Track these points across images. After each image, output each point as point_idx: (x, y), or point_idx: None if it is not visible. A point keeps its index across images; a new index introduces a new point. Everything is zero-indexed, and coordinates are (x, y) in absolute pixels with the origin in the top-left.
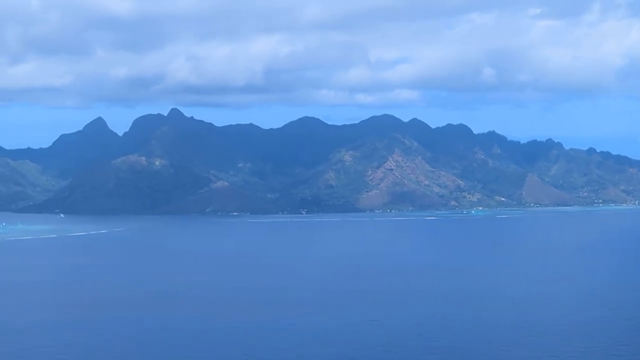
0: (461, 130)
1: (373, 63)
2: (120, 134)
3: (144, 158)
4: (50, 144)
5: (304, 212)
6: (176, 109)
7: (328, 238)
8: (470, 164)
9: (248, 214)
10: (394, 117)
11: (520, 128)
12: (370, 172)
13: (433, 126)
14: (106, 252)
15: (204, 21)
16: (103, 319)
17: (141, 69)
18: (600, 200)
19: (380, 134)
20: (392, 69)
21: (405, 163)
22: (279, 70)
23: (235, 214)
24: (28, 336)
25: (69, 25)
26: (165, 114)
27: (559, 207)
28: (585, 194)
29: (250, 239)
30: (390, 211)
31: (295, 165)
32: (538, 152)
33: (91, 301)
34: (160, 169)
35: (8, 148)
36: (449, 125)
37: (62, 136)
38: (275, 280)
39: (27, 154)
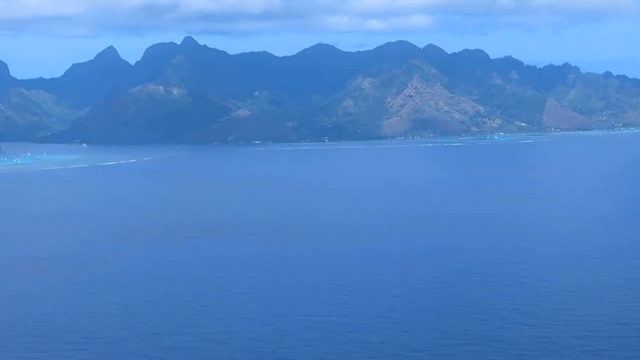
0: (478, 56)
1: None
2: (132, 63)
3: (161, 87)
4: (62, 73)
5: (326, 140)
6: (190, 37)
7: (366, 165)
8: (488, 89)
9: (270, 142)
10: (409, 43)
11: (534, 52)
12: (389, 99)
13: (449, 52)
14: (148, 181)
15: None
16: (180, 246)
17: None
18: (620, 124)
19: (397, 60)
20: None
21: (424, 89)
22: None
23: (257, 142)
24: (102, 265)
25: None
26: (178, 43)
27: (580, 132)
28: (605, 118)
29: (289, 167)
30: (412, 138)
31: (310, 93)
32: (555, 76)
33: (164, 230)
34: (179, 98)
35: (20, 78)
36: (465, 50)
37: (74, 66)
38: (339, 206)
39: (39, 83)
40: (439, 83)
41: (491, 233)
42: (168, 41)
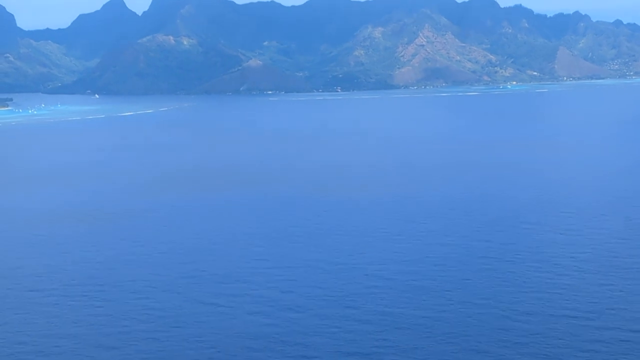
0: (488, 4)
1: None
2: (139, 13)
3: (171, 37)
4: (69, 24)
5: (339, 90)
6: None
7: (388, 115)
8: (499, 38)
9: (283, 92)
10: None
11: (542, 1)
12: (400, 48)
13: (459, 0)
14: (173, 131)
15: None
16: (230, 193)
17: None
18: (632, 73)
19: (407, 9)
20: None
21: (435, 39)
22: None
23: (270, 92)
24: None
25: None
26: None
27: (593, 80)
28: (617, 66)
29: (312, 116)
30: (424, 87)
31: (319, 43)
32: (565, 25)
33: (208, 178)
34: (189, 49)
35: (27, 29)
36: None
37: (81, 16)
38: (372, 157)
39: (47, 34)
40: (450, 32)
41: (530, 182)
42: None
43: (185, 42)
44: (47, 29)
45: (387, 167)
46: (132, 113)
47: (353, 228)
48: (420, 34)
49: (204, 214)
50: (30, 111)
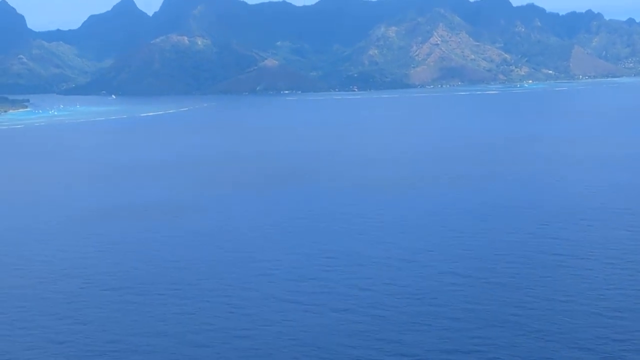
0: (500, 3)
1: None
2: (150, 14)
3: (186, 38)
4: (80, 25)
5: (355, 89)
6: None
7: (414, 113)
8: (512, 37)
9: (299, 92)
10: None
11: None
12: (415, 47)
13: (471, 0)
14: (203, 130)
15: None
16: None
17: None
18: None
19: (419, 9)
20: None
21: (450, 38)
22: None
23: (287, 92)
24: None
25: None
26: None
27: (609, 79)
28: (632, 64)
29: (337, 114)
30: (441, 86)
31: (332, 43)
32: (578, 23)
33: (253, 176)
34: (204, 49)
35: (37, 30)
36: None
37: (91, 17)
38: (415, 154)
39: (58, 35)
40: (463, 31)
41: (583, 177)
42: None
43: (199, 42)
44: (58, 29)
45: (437, 164)
46: (153, 113)
47: (413, 225)
48: (435, 33)
49: (269, 211)
50: (50, 112)
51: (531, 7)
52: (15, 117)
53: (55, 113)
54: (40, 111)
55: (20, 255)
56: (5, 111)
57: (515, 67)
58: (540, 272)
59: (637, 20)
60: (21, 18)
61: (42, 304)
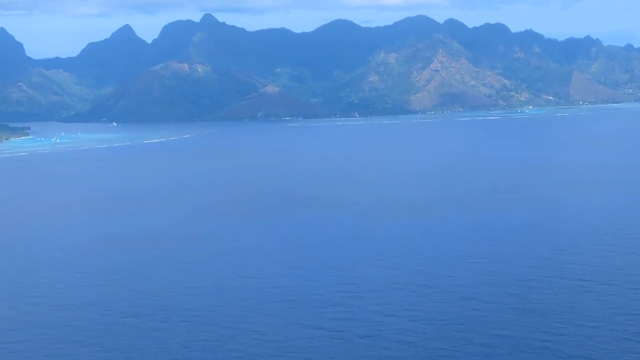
0: (499, 30)
1: None
2: (149, 41)
3: (186, 65)
4: (78, 52)
5: (356, 115)
6: (210, 14)
7: (423, 139)
8: (512, 63)
9: (300, 118)
10: (428, 17)
11: (548, 26)
12: (415, 73)
13: (470, 26)
14: (207, 157)
15: None
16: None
17: None
18: None
19: (418, 35)
20: None
21: (450, 64)
22: None
23: (288, 118)
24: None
25: None
26: (195, 20)
27: (609, 104)
28: (631, 90)
29: (344, 140)
30: (442, 112)
31: (332, 69)
32: (577, 49)
33: (261, 204)
34: (204, 76)
35: (36, 58)
36: (486, 24)
37: (90, 45)
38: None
39: (57, 63)
40: (463, 57)
41: (600, 202)
42: (184, 19)
43: (199, 69)
44: (57, 57)
45: (448, 188)
46: (156, 140)
47: (430, 250)
48: (435, 59)
49: (282, 236)
50: (52, 139)
51: (530, 33)
52: (18, 145)
53: (58, 140)
54: (42, 139)
55: (37, 283)
56: (7, 139)
57: (516, 93)
58: (564, 298)
59: (635, 46)
60: (20, 46)
61: (64, 331)
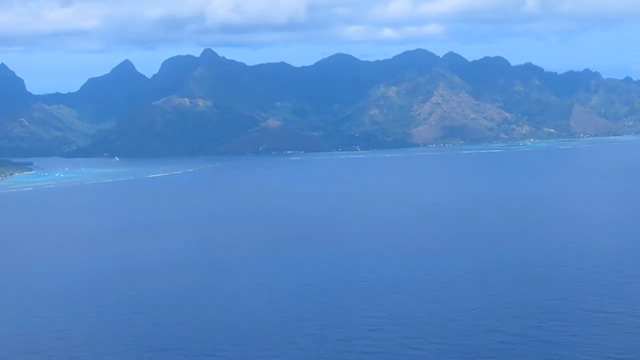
0: (499, 63)
1: None
2: (149, 76)
3: (187, 99)
4: (79, 88)
5: (358, 149)
6: (210, 49)
7: (431, 172)
8: (512, 96)
9: (302, 152)
10: (428, 51)
11: (546, 59)
12: (415, 107)
13: (470, 59)
14: (214, 190)
15: None
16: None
17: (167, 9)
18: None
19: (418, 68)
20: (413, 4)
21: (450, 97)
22: (304, 8)
23: (289, 152)
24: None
25: None
26: (195, 55)
27: (610, 137)
28: (631, 122)
29: (354, 173)
30: (444, 145)
31: (332, 103)
32: (576, 82)
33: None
34: (205, 110)
35: (36, 93)
36: (486, 58)
37: (90, 80)
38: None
39: (57, 98)
40: (463, 90)
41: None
42: (184, 54)
43: (200, 104)
44: (57, 92)
45: (461, 222)
46: (160, 174)
47: (449, 284)
48: (435, 93)
49: (298, 270)
50: (56, 174)
51: (529, 67)
52: (22, 180)
53: (62, 175)
54: (46, 174)
55: (59, 318)
56: (11, 174)
57: (517, 126)
58: (591, 330)
59: (634, 79)
60: (20, 82)
61: None
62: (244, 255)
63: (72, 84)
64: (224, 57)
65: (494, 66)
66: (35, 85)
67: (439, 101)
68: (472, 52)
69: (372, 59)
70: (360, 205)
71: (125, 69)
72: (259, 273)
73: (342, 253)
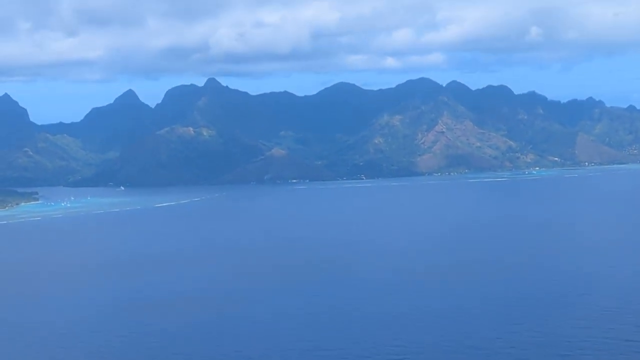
0: (502, 92)
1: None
2: (153, 105)
3: (191, 129)
4: (82, 117)
5: (363, 178)
6: (213, 79)
7: (440, 201)
8: (516, 125)
9: (307, 180)
10: (431, 80)
11: (549, 88)
12: (420, 135)
13: (473, 88)
14: (223, 219)
15: None
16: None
17: (171, 39)
18: None
19: (422, 97)
20: (416, 34)
21: (455, 125)
22: (308, 37)
23: (295, 181)
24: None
25: None
26: (198, 84)
27: (614, 165)
28: (636, 151)
29: (364, 202)
30: (449, 174)
31: (335, 132)
32: (580, 111)
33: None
34: (209, 139)
35: (40, 123)
36: (489, 86)
37: (94, 109)
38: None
39: (61, 128)
40: (468, 119)
41: None
42: (187, 83)
43: (205, 133)
44: (60, 122)
45: (476, 251)
46: (167, 204)
47: (469, 314)
48: (440, 121)
49: (315, 300)
50: (63, 204)
51: (533, 95)
52: (29, 210)
53: (68, 205)
54: (53, 203)
55: (81, 348)
56: (17, 204)
57: (521, 154)
58: (619, 358)
59: (638, 107)
60: (23, 111)
61: None
62: (262, 284)
63: (75, 114)
64: (227, 86)
65: (498, 95)
66: (38, 115)
67: (444, 130)
68: (473, 81)
69: (373, 88)
70: (375, 234)
71: (129, 99)
72: (276, 303)
73: (360, 283)
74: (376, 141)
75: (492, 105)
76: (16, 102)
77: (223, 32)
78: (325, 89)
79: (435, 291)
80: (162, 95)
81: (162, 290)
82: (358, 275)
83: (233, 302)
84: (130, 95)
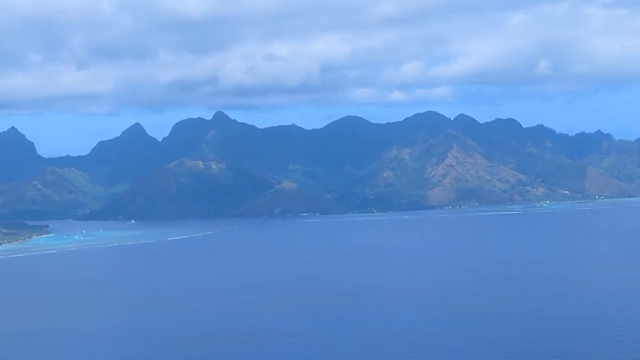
0: (510, 125)
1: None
2: (160, 139)
3: (200, 162)
4: (89, 151)
5: (374, 211)
6: (221, 112)
7: (456, 235)
8: (525, 158)
9: (317, 214)
10: (438, 113)
11: (555, 121)
12: (429, 169)
13: (481, 121)
14: (240, 253)
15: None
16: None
17: (180, 73)
18: None
19: (430, 130)
20: (425, 67)
21: (464, 159)
22: (317, 70)
23: (305, 214)
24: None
25: (137, 29)
26: (205, 118)
27: (624, 199)
28: None
29: (376, 235)
30: (459, 207)
31: (343, 165)
32: (588, 144)
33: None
34: (219, 173)
35: (47, 156)
36: (498, 119)
37: (100, 143)
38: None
39: (68, 161)
40: (477, 152)
41: None
42: (194, 116)
43: (214, 166)
44: (67, 155)
45: (508, 284)
46: (179, 237)
47: (500, 339)
48: (449, 155)
49: (344, 332)
50: (75, 237)
51: (541, 128)
52: (42, 243)
53: (81, 238)
54: (65, 236)
55: None
56: (29, 237)
57: (531, 188)
58: None
59: None
60: (31, 145)
61: None
62: (288, 316)
63: (83, 147)
64: (235, 119)
65: (506, 128)
66: (45, 148)
67: (453, 163)
68: (479, 114)
69: (381, 121)
70: (396, 269)
71: (136, 132)
72: (310, 334)
73: (380, 320)
74: (385, 175)
75: (500, 139)
76: (23, 136)
77: (233, 65)
78: (333, 122)
79: (467, 330)
80: (169, 129)
81: (190, 324)
82: (382, 310)
83: (266, 334)
84: (137, 128)
